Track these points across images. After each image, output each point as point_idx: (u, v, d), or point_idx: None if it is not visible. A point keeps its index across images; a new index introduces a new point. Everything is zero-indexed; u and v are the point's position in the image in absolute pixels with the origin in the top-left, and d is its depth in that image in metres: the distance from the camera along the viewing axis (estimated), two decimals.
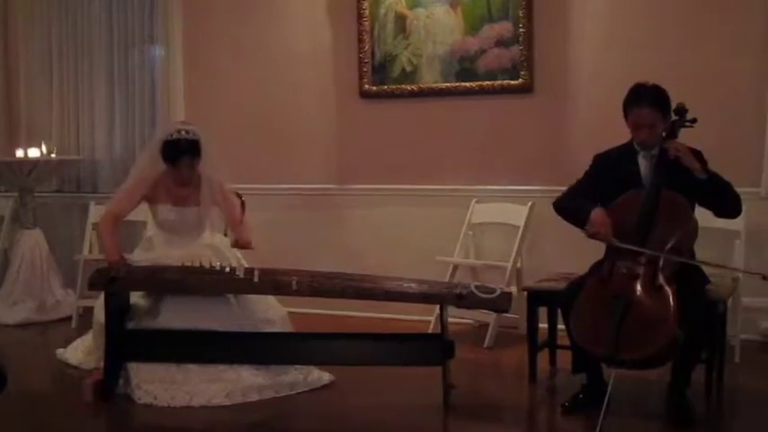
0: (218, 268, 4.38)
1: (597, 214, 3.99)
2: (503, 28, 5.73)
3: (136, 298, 4.54)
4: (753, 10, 5.23)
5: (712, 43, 5.29)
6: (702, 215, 4.12)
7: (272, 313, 4.65)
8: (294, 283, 4.29)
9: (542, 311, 4.59)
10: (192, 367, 4.36)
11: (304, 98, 6.30)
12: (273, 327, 4.61)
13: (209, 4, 6.52)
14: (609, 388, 3.67)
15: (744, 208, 4.90)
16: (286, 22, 6.32)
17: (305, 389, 4.42)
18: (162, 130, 4.84)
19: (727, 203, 4.06)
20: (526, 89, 5.70)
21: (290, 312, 4.79)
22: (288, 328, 4.70)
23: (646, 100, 4.00)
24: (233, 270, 4.36)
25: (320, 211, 6.27)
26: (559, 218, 4.27)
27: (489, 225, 5.78)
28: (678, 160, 3.92)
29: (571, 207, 4.16)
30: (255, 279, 4.32)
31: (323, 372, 4.54)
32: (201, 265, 4.40)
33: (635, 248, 3.85)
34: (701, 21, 5.32)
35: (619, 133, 4.18)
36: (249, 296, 4.56)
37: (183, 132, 4.55)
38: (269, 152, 6.37)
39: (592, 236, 4.00)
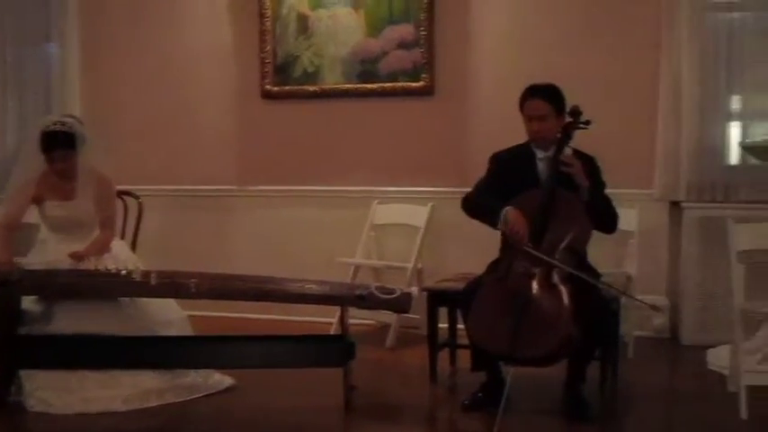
0: (113, 271, 4.29)
1: (515, 215, 3.98)
2: (404, 30, 5.77)
3: (28, 303, 4.40)
4: (646, 15, 5.40)
5: (608, 47, 5.46)
6: None
7: (170, 315, 4.57)
8: (193, 285, 4.22)
9: (443, 311, 4.64)
10: (89, 373, 4.24)
11: (204, 98, 6.22)
12: (172, 329, 4.52)
13: (106, 1, 6.38)
14: (507, 385, 3.75)
15: (636, 209, 5.12)
16: (186, 20, 6.23)
17: (205, 393, 4.36)
18: (42, 121, 4.71)
19: (603, 222, 4.15)
20: (427, 91, 5.76)
21: (191, 315, 4.70)
22: (186, 330, 4.61)
23: (538, 93, 4.12)
24: (129, 273, 4.27)
25: (221, 212, 6.21)
26: (459, 219, 4.30)
27: (391, 226, 5.81)
28: (569, 175, 4.00)
29: (482, 204, 4.16)
30: (153, 282, 4.24)
31: (223, 375, 4.49)
32: (96, 269, 4.30)
33: (545, 258, 3.88)
34: (599, 25, 5.49)
35: (518, 137, 4.25)
36: (147, 299, 4.47)
37: (59, 124, 4.48)
38: (168, 152, 6.27)
39: (510, 235, 4.00)
